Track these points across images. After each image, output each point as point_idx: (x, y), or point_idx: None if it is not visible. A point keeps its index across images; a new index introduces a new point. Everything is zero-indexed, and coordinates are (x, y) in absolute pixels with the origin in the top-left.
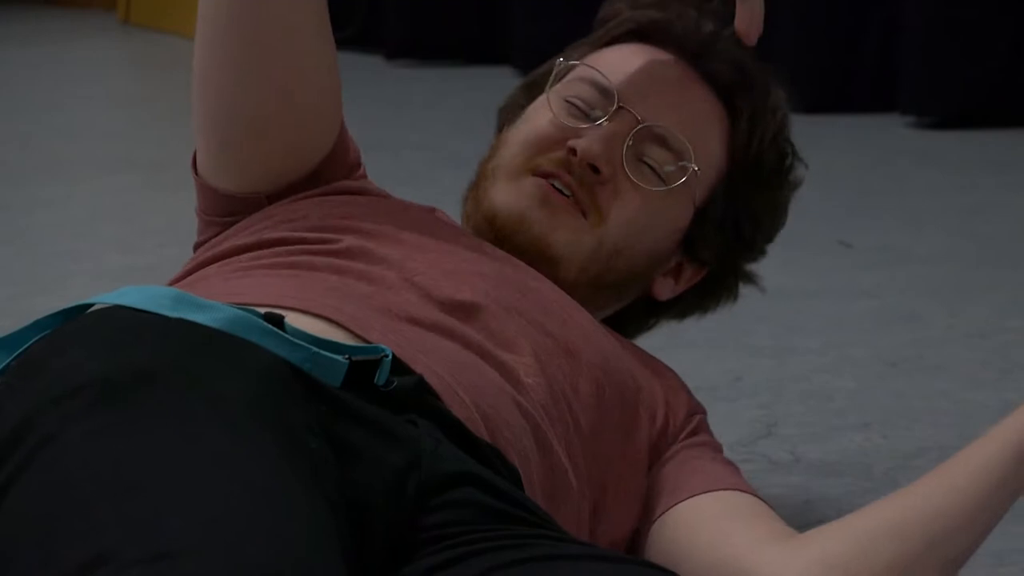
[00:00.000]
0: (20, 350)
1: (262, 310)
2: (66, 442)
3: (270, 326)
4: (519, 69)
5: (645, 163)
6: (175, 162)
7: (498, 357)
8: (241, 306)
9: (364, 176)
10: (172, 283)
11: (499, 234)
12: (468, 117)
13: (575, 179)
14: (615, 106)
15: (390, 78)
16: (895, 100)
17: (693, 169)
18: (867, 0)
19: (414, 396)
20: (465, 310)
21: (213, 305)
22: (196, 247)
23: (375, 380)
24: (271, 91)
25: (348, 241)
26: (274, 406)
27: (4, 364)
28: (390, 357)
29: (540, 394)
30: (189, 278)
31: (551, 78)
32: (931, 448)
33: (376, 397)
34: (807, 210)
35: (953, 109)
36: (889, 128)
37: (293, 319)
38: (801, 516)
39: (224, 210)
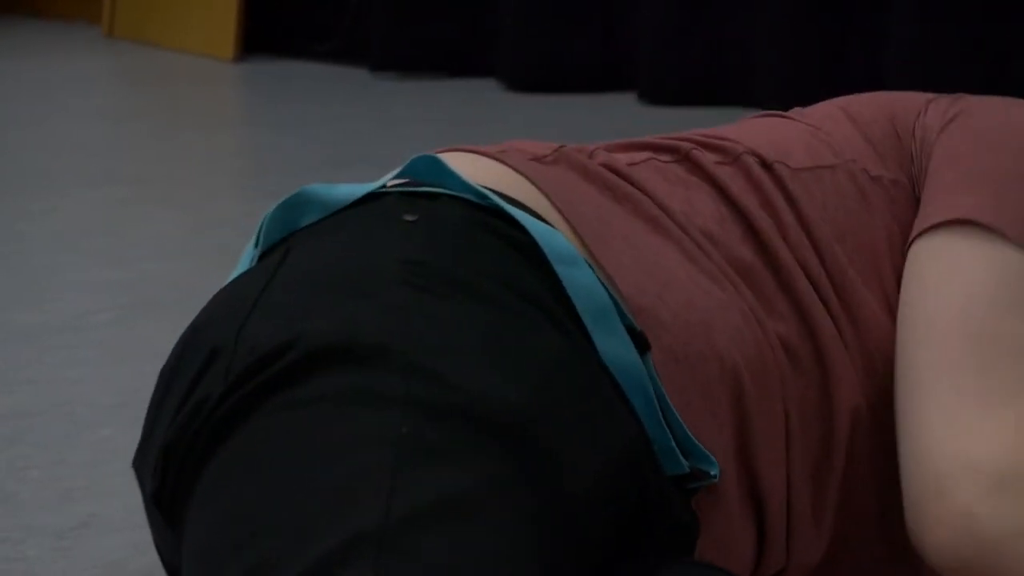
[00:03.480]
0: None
1: (640, 322)
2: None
3: (654, 396)
4: (504, 82)
5: None
6: (160, 176)
7: None
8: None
9: None
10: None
11: None
12: (453, 130)
13: None
14: None
15: (374, 91)
16: None
17: None
18: (852, 12)
19: (689, 500)
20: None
21: (623, 337)
22: None
23: (687, 484)
24: None
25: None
26: (599, 508)
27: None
28: (716, 480)
29: None
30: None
31: None
32: None
33: (673, 485)
34: None
35: None
36: None
37: (671, 370)
38: None
39: None
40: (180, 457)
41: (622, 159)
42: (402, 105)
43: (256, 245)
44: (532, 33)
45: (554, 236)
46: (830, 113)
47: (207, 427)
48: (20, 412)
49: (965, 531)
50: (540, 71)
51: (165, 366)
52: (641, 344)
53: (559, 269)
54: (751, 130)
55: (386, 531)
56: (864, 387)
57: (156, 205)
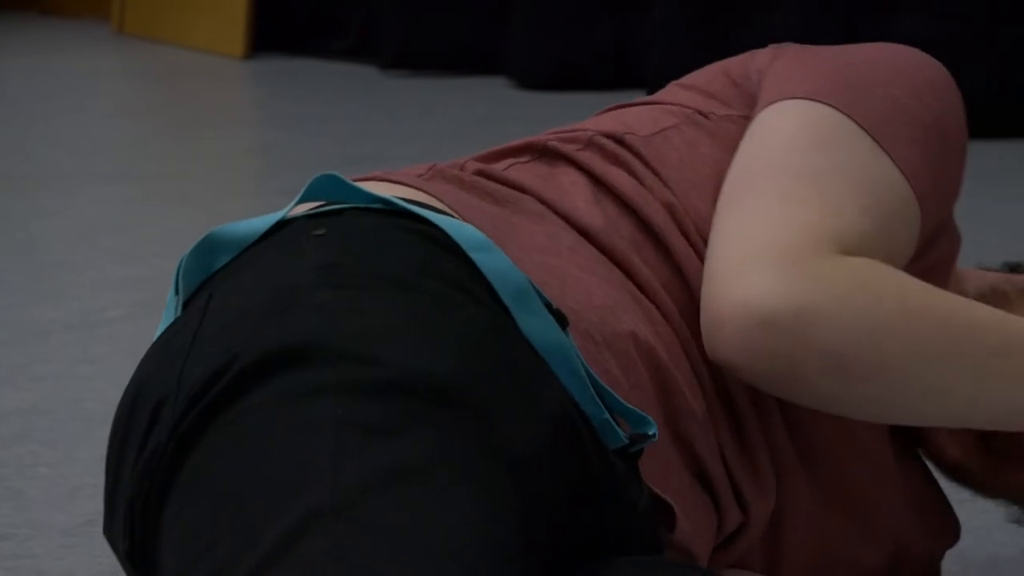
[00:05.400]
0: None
1: (555, 303)
2: (327, 406)
3: (583, 371)
4: (515, 80)
5: None
6: (172, 173)
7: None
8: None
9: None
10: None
11: None
12: (464, 128)
13: None
14: None
15: (385, 88)
16: None
17: None
18: (858, 12)
19: (636, 468)
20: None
21: (546, 316)
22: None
23: (629, 448)
24: None
25: None
26: (545, 467)
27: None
28: (655, 438)
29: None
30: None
31: None
32: None
33: (619, 459)
34: None
35: None
36: None
37: (592, 352)
38: None
39: None
40: (143, 509)
41: (494, 166)
42: (413, 103)
43: (176, 293)
44: (543, 31)
45: (463, 226)
46: (668, 90)
47: (160, 471)
48: (30, 409)
49: (749, 314)
50: (551, 69)
51: (114, 431)
52: (561, 321)
53: (473, 255)
54: (597, 119)
55: (337, 504)
56: None
57: (168, 202)
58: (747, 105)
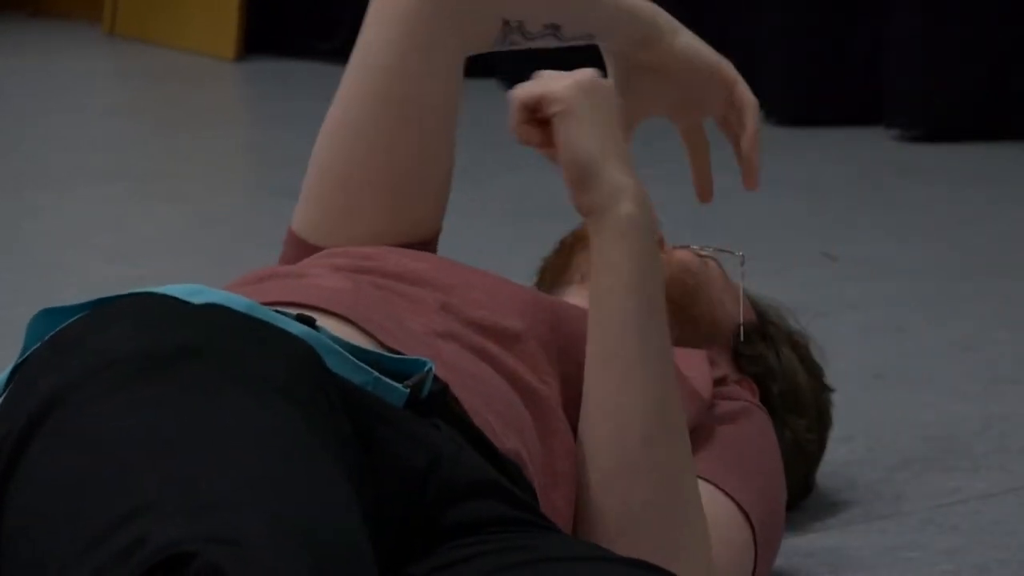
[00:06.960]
0: (55, 329)
1: (294, 311)
2: (100, 410)
3: (337, 347)
4: (505, 82)
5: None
6: (163, 173)
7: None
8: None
9: None
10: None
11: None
12: (459, 129)
13: None
14: None
15: None
16: (881, 113)
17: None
18: (854, 13)
19: (439, 403)
20: (500, 335)
21: (288, 321)
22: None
23: (419, 394)
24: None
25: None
26: (306, 390)
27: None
28: (432, 371)
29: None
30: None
31: None
32: (915, 460)
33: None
34: (792, 222)
35: (938, 122)
36: (875, 141)
37: (325, 322)
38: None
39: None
40: None
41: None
42: None
43: None
44: None
45: (171, 287)
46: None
47: None
48: None
49: None
50: (541, 71)
51: None
52: (305, 321)
53: (191, 299)
54: None
55: (163, 495)
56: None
57: (161, 202)
58: None
